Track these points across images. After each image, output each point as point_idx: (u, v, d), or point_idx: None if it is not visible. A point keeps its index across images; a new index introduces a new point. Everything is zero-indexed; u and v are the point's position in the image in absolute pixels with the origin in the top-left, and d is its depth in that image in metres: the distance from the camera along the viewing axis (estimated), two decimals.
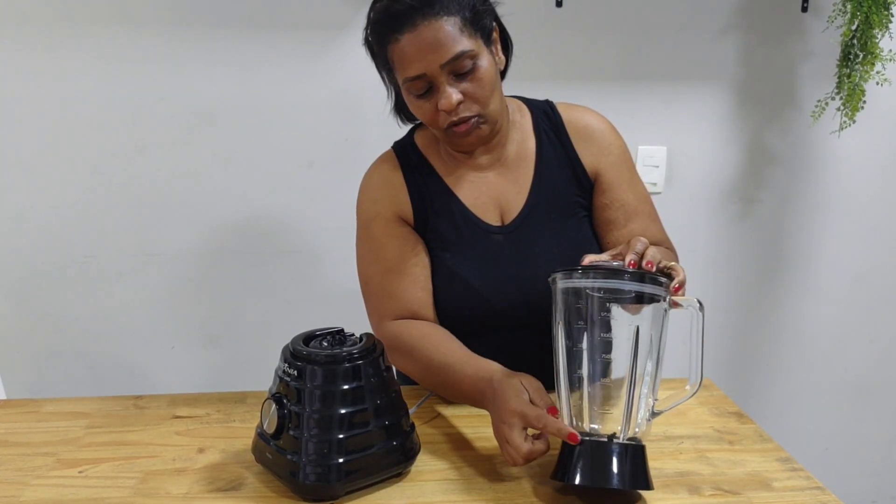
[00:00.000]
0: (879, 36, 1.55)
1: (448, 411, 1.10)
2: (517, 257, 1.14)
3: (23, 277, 1.68)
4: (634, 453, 0.85)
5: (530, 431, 0.88)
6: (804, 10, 1.71)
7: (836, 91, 1.63)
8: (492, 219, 1.15)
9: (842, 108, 1.63)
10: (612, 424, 0.86)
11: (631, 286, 0.86)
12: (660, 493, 0.89)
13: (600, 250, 1.16)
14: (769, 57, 1.76)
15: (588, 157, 1.17)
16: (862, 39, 1.56)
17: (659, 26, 1.71)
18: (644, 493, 0.88)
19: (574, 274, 0.87)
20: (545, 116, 1.19)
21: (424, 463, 0.96)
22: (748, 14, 1.73)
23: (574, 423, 0.88)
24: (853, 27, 1.56)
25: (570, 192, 1.17)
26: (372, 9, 1.05)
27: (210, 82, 1.62)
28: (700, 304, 0.85)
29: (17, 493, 0.90)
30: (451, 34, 0.99)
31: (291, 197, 1.71)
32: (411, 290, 1.12)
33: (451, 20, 0.99)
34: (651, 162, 1.79)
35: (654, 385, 0.88)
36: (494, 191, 1.16)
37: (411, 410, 0.98)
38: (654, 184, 1.79)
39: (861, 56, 1.57)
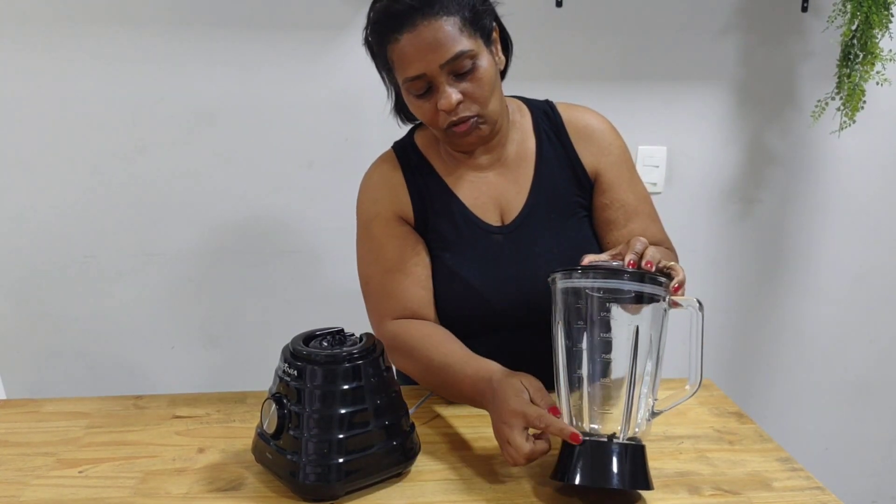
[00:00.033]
0: (879, 36, 1.55)
1: (448, 411, 1.10)
2: (517, 257, 1.14)
3: (23, 277, 1.68)
4: (634, 453, 0.85)
5: (531, 431, 0.88)
6: (804, 10, 1.71)
7: (836, 91, 1.63)
8: (492, 219, 1.15)
9: (842, 108, 1.63)
10: (611, 424, 0.86)
11: (630, 286, 0.86)
12: (660, 493, 0.89)
13: (600, 250, 1.16)
14: (769, 57, 1.76)
15: (588, 157, 1.17)
16: (862, 39, 1.56)
17: (659, 26, 1.71)
18: (644, 493, 0.88)
19: (574, 274, 0.87)
20: (545, 116, 1.19)
21: (424, 463, 0.96)
22: (748, 14, 1.73)
23: (574, 423, 0.88)
24: (853, 27, 1.56)
25: (570, 192, 1.17)
26: (372, 9, 1.05)
27: (210, 82, 1.62)
28: (700, 303, 0.85)
29: (17, 493, 0.90)
30: (451, 34, 0.99)
31: (291, 197, 1.71)
32: (412, 289, 1.12)
33: (451, 20, 0.99)
34: (651, 162, 1.79)
35: (654, 385, 0.88)
36: (494, 191, 1.16)
37: (411, 410, 0.98)
38: (654, 184, 1.79)
39: (861, 56, 1.57)
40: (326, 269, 1.76)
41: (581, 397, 0.87)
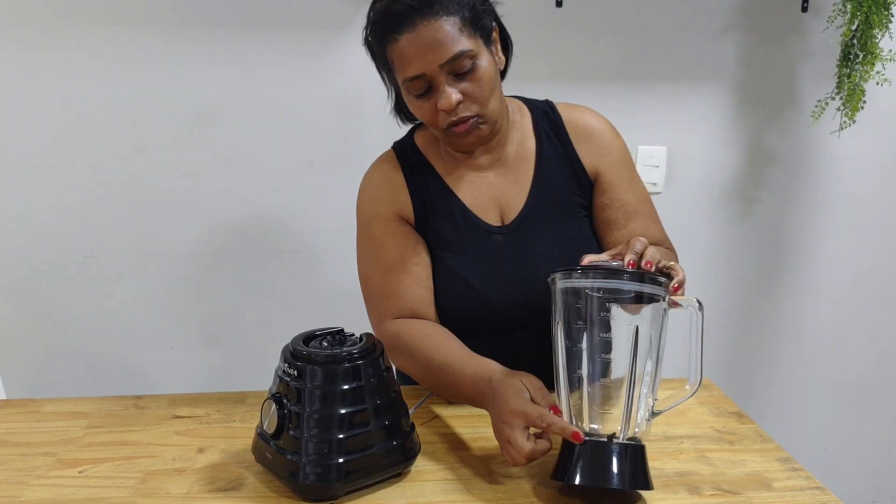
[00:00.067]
0: (879, 36, 1.55)
1: (448, 411, 1.10)
2: (517, 257, 1.14)
3: (23, 277, 1.68)
4: (634, 453, 0.85)
5: (532, 430, 0.88)
6: (804, 10, 1.71)
7: (836, 91, 1.63)
8: (492, 219, 1.15)
9: (842, 108, 1.63)
10: (611, 424, 0.86)
11: (630, 286, 0.86)
12: (660, 493, 0.89)
13: (600, 250, 1.16)
14: (769, 57, 1.76)
15: (588, 157, 1.17)
16: (862, 39, 1.56)
17: (659, 26, 1.71)
18: (644, 493, 0.88)
19: (573, 274, 0.87)
20: (545, 116, 1.19)
21: (424, 463, 0.96)
22: (748, 14, 1.73)
23: (574, 423, 0.88)
24: (853, 27, 1.56)
25: (570, 192, 1.17)
26: (372, 9, 1.05)
27: (210, 82, 1.62)
28: (699, 303, 0.85)
29: (17, 493, 0.90)
30: (451, 34, 0.99)
31: (291, 197, 1.71)
32: (413, 288, 1.12)
33: (451, 20, 0.99)
34: (651, 162, 1.79)
35: (654, 385, 0.88)
36: (494, 191, 1.16)
37: (411, 410, 0.98)
38: (654, 184, 1.79)
39: (861, 56, 1.57)
40: (326, 269, 1.76)
41: (581, 397, 0.87)
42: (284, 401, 0.88)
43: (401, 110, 1.18)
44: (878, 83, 1.58)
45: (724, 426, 1.07)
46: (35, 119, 1.59)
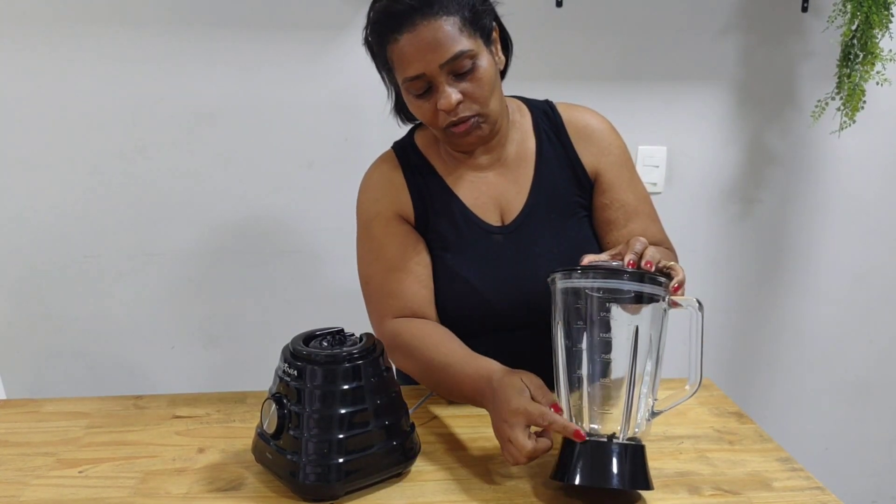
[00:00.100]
0: (879, 36, 1.55)
1: (448, 412, 1.10)
2: (517, 257, 1.14)
3: (23, 277, 1.68)
4: (634, 453, 0.85)
5: (533, 429, 0.88)
6: (804, 10, 1.71)
7: (836, 91, 1.63)
8: (492, 219, 1.15)
9: (842, 108, 1.63)
10: (611, 424, 0.86)
11: (630, 286, 0.86)
12: (660, 493, 0.89)
13: (600, 250, 1.16)
14: (769, 57, 1.76)
15: (588, 157, 1.17)
16: (862, 39, 1.56)
17: (659, 26, 1.71)
18: (644, 493, 0.88)
19: (573, 274, 0.87)
20: (545, 116, 1.19)
21: (424, 463, 0.96)
22: (748, 14, 1.73)
23: (574, 423, 0.87)
24: (853, 27, 1.56)
25: (570, 192, 1.17)
26: (372, 9, 1.05)
27: (210, 82, 1.62)
28: (699, 303, 0.85)
29: (17, 493, 0.90)
30: (451, 34, 0.99)
31: (291, 197, 1.71)
32: (413, 288, 1.12)
33: (451, 20, 0.99)
34: (651, 162, 1.79)
35: (654, 385, 0.88)
36: (494, 191, 1.16)
37: (411, 410, 0.98)
38: (654, 184, 1.79)
39: (861, 56, 1.57)
40: (326, 269, 1.76)
41: (581, 397, 0.87)
42: (284, 401, 0.88)
43: (401, 110, 1.18)
44: (878, 83, 1.58)
45: (724, 426, 1.07)
46: (35, 119, 1.59)
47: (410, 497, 0.89)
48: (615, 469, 0.84)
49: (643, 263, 0.87)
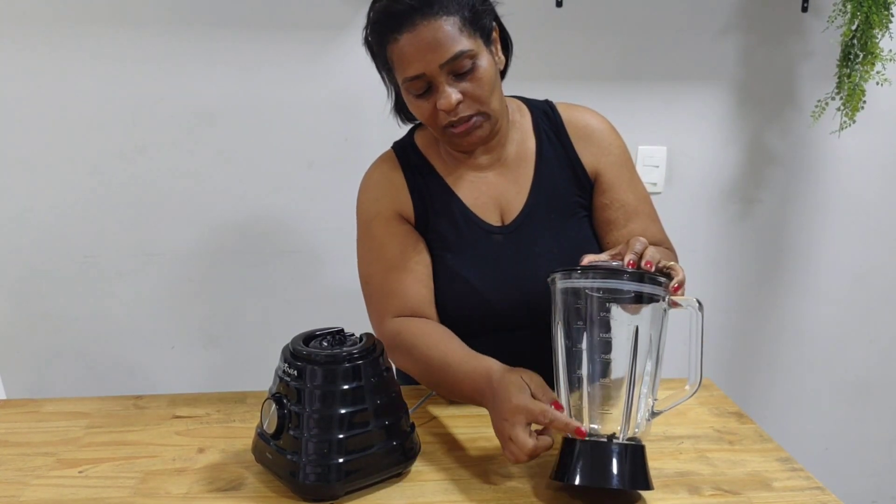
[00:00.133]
0: (879, 36, 1.55)
1: (448, 412, 1.10)
2: (517, 257, 1.14)
3: (23, 277, 1.68)
4: (634, 453, 0.85)
5: (534, 427, 0.88)
6: (804, 10, 1.71)
7: (836, 91, 1.63)
8: (492, 219, 1.15)
9: (842, 108, 1.63)
10: (611, 424, 0.86)
11: (630, 286, 0.86)
12: (660, 493, 0.89)
13: (600, 250, 1.16)
14: (769, 57, 1.76)
15: (588, 157, 1.17)
16: (862, 39, 1.56)
17: (659, 26, 1.71)
18: (644, 493, 0.88)
19: (573, 274, 0.87)
20: (545, 116, 1.19)
21: (424, 463, 0.96)
22: (748, 14, 1.73)
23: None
24: (853, 27, 1.56)
25: (570, 192, 1.17)
26: (372, 9, 1.05)
27: (210, 82, 1.62)
28: (699, 303, 0.85)
29: (17, 493, 0.90)
30: (451, 34, 0.99)
31: (291, 197, 1.71)
32: (413, 287, 1.12)
33: (451, 20, 0.99)
34: (651, 162, 1.79)
35: (654, 385, 0.88)
36: (494, 191, 1.16)
37: (411, 410, 0.98)
38: (654, 184, 1.79)
39: (861, 56, 1.57)
40: (326, 269, 1.76)
41: (581, 397, 0.87)
42: (284, 401, 0.88)
43: (401, 110, 1.18)
44: (878, 83, 1.58)
45: (724, 426, 1.07)
46: (35, 119, 1.59)
47: (410, 497, 0.89)
48: (615, 469, 0.84)
49: (643, 263, 0.87)
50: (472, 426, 1.05)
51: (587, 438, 0.85)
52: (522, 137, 1.18)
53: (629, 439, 0.86)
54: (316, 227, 1.73)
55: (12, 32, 1.54)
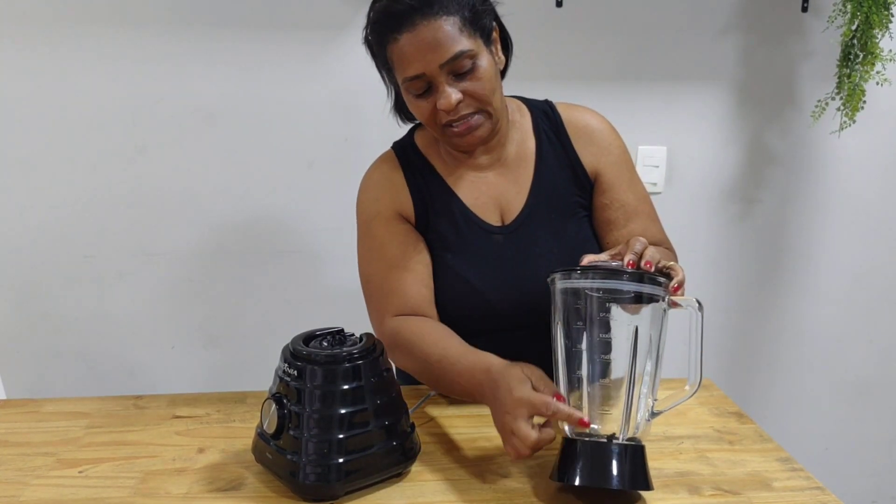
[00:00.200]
0: (879, 36, 1.55)
1: (448, 412, 1.10)
2: (517, 258, 1.14)
3: (23, 277, 1.68)
4: (634, 454, 0.85)
5: (536, 420, 0.87)
6: (804, 10, 1.71)
7: (836, 91, 1.63)
8: (492, 219, 1.15)
9: (842, 108, 1.63)
10: (611, 425, 0.86)
11: (630, 286, 0.86)
12: (660, 493, 0.89)
13: (600, 250, 1.16)
14: (769, 57, 1.76)
15: (588, 157, 1.17)
16: (862, 39, 1.56)
17: (659, 26, 1.71)
18: (644, 493, 0.88)
19: (573, 274, 0.87)
20: (545, 116, 1.19)
21: (424, 463, 0.96)
22: (748, 14, 1.73)
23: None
24: (853, 27, 1.56)
25: (570, 192, 1.17)
26: (372, 8, 1.05)
27: (210, 82, 1.62)
28: (699, 303, 0.85)
29: (17, 493, 0.90)
30: (451, 34, 0.99)
31: (291, 197, 1.71)
32: (414, 286, 1.12)
33: (451, 20, 0.99)
34: (651, 162, 1.79)
35: (654, 385, 0.88)
36: (494, 191, 1.16)
37: (411, 411, 0.98)
38: (654, 184, 1.79)
39: (861, 56, 1.57)
40: (326, 269, 1.76)
41: (581, 398, 0.87)
42: (284, 401, 0.88)
43: (400, 109, 1.19)
44: (878, 83, 1.58)
45: (724, 426, 1.07)
46: (35, 119, 1.59)
47: (410, 497, 0.89)
48: (615, 469, 0.84)
49: (643, 263, 0.87)
50: (471, 426, 1.05)
51: (587, 439, 0.85)
52: (522, 137, 1.18)
53: (629, 439, 0.86)
54: (316, 227, 1.73)
55: (12, 32, 1.54)
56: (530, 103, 1.21)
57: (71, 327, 1.72)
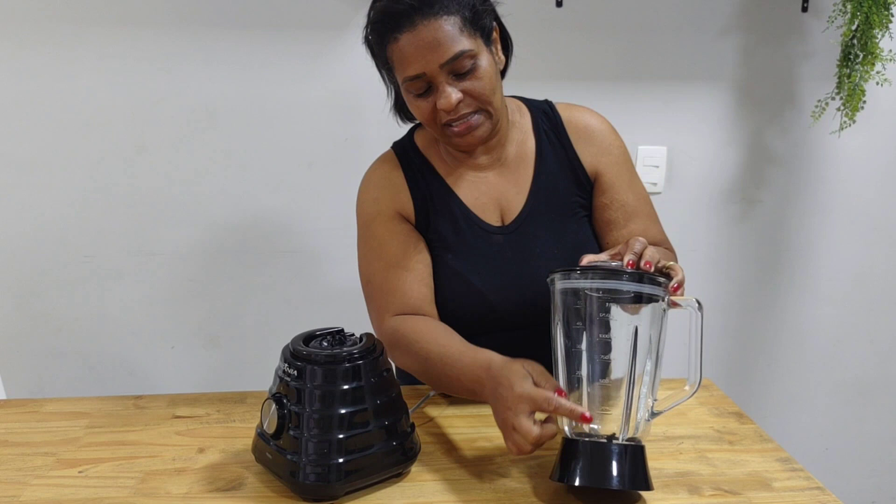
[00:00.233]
0: (879, 36, 1.55)
1: (448, 412, 1.10)
2: (517, 258, 1.14)
3: (23, 277, 1.68)
4: (634, 454, 0.85)
5: (538, 416, 0.87)
6: (804, 10, 1.72)
7: (836, 91, 1.63)
8: (492, 219, 1.15)
9: (842, 108, 1.63)
10: (611, 425, 0.86)
11: (629, 286, 0.86)
12: (660, 493, 0.89)
13: (600, 250, 1.16)
14: (769, 57, 1.76)
15: (588, 158, 1.17)
16: (862, 39, 1.56)
17: (659, 26, 1.71)
18: (644, 493, 0.88)
19: (573, 274, 0.87)
20: (545, 116, 1.19)
21: (424, 463, 0.96)
22: (748, 14, 1.73)
23: (573, 424, 0.87)
24: (853, 27, 1.56)
25: (570, 192, 1.17)
26: (372, 8, 1.05)
27: (210, 82, 1.62)
28: (699, 303, 0.85)
29: (17, 493, 0.90)
30: (451, 34, 0.99)
31: (291, 197, 1.71)
32: (414, 286, 1.12)
33: (451, 20, 0.99)
34: (651, 162, 1.79)
35: (654, 385, 0.88)
36: (494, 191, 1.16)
37: (411, 411, 0.98)
38: (654, 184, 1.79)
39: (861, 56, 1.57)
40: (326, 269, 1.76)
41: (581, 398, 0.87)
42: (284, 401, 0.88)
43: (400, 109, 1.18)
44: (878, 83, 1.58)
45: (724, 426, 1.07)
46: (35, 119, 1.59)
47: (410, 497, 0.89)
48: (615, 469, 0.84)
49: (642, 263, 0.87)
50: (471, 427, 1.05)
51: (587, 439, 0.85)
52: (522, 137, 1.18)
53: (629, 440, 0.86)
54: (316, 227, 1.73)
55: (12, 32, 1.54)
56: (530, 103, 1.21)
57: (71, 327, 1.72)
